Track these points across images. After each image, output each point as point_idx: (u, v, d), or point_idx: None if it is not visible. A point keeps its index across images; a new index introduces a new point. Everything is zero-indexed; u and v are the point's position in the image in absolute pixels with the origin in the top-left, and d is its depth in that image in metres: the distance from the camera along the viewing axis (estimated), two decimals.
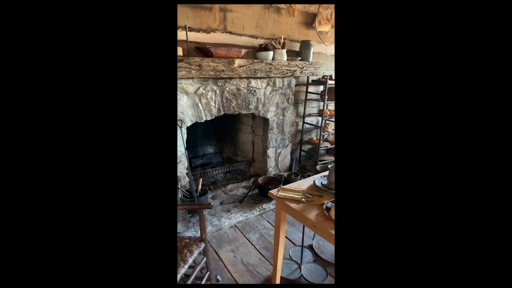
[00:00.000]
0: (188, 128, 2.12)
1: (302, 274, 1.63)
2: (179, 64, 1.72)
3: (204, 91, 2.07)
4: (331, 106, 3.10)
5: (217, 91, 2.14)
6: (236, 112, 2.32)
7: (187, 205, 1.45)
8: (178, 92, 1.96)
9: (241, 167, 2.99)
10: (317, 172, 2.82)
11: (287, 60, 2.29)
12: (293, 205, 1.18)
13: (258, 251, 1.84)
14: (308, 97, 2.84)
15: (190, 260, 1.22)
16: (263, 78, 2.36)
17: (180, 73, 1.76)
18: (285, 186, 1.32)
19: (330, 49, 2.93)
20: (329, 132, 3.01)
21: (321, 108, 2.90)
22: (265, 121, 2.64)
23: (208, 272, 1.43)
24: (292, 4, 2.23)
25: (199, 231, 1.38)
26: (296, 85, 2.70)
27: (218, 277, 1.59)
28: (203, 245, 1.33)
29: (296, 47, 2.56)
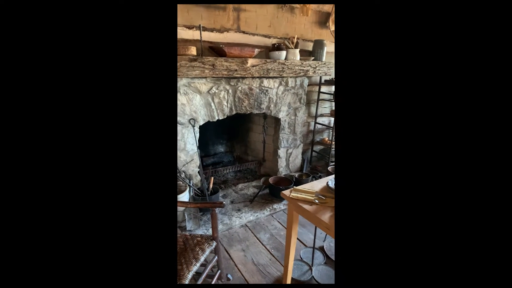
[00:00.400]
0: (200, 127, 2.13)
1: (313, 276, 1.62)
2: (192, 63, 1.73)
3: (217, 91, 2.08)
4: None
5: (230, 91, 2.15)
6: (248, 112, 2.33)
7: (200, 203, 1.46)
8: (191, 92, 1.97)
9: (252, 166, 2.99)
10: (329, 173, 2.81)
11: (300, 59, 2.28)
12: (306, 206, 1.17)
13: (268, 251, 1.84)
14: (320, 97, 2.81)
15: (202, 258, 1.23)
16: (276, 77, 2.35)
17: (193, 73, 1.77)
18: (298, 187, 1.31)
19: None
20: None
21: (334, 108, 2.87)
22: (277, 120, 2.63)
23: (219, 271, 1.44)
24: (306, 4, 2.21)
25: (211, 230, 1.39)
26: (308, 85, 2.68)
27: (229, 275, 1.59)
28: (214, 243, 1.34)
29: (309, 46, 2.54)
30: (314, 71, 2.38)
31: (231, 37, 2.11)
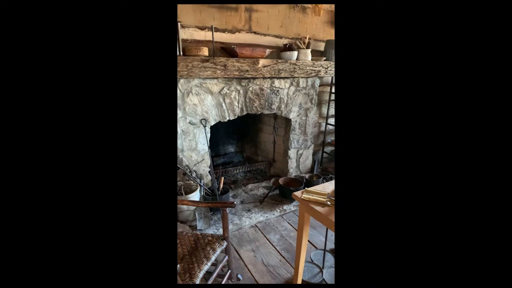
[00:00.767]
0: (210, 127, 2.15)
1: (324, 279, 1.60)
2: (204, 64, 1.75)
3: (228, 91, 2.09)
4: None
5: (241, 91, 2.15)
6: (259, 112, 2.33)
7: (211, 202, 1.47)
8: (203, 92, 1.99)
9: (262, 167, 2.99)
10: None
11: (312, 60, 2.26)
12: (318, 208, 1.15)
13: (278, 252, 1.83)
14: (332, 98, 2.78)
15: (213, 258, 1.23)
16: (287, 78, 2.34)
17: (205, 73, 1.79)
18: (309, 189, 1.30)
19: None
20: None
21: None
22: (287, 121, 2.62)
23: (230, 271, 1.45)
24: (319, 4, 2.19)
25: (221, 229, 1.40)
26: (320, 85, 2.65)
27: (239, 275, 1.59)
28: (225, 243, 1.34)
29: (321, 47, 2.52)
30: (326, 72, 2.36)
31: (243, 37, 2.12)
